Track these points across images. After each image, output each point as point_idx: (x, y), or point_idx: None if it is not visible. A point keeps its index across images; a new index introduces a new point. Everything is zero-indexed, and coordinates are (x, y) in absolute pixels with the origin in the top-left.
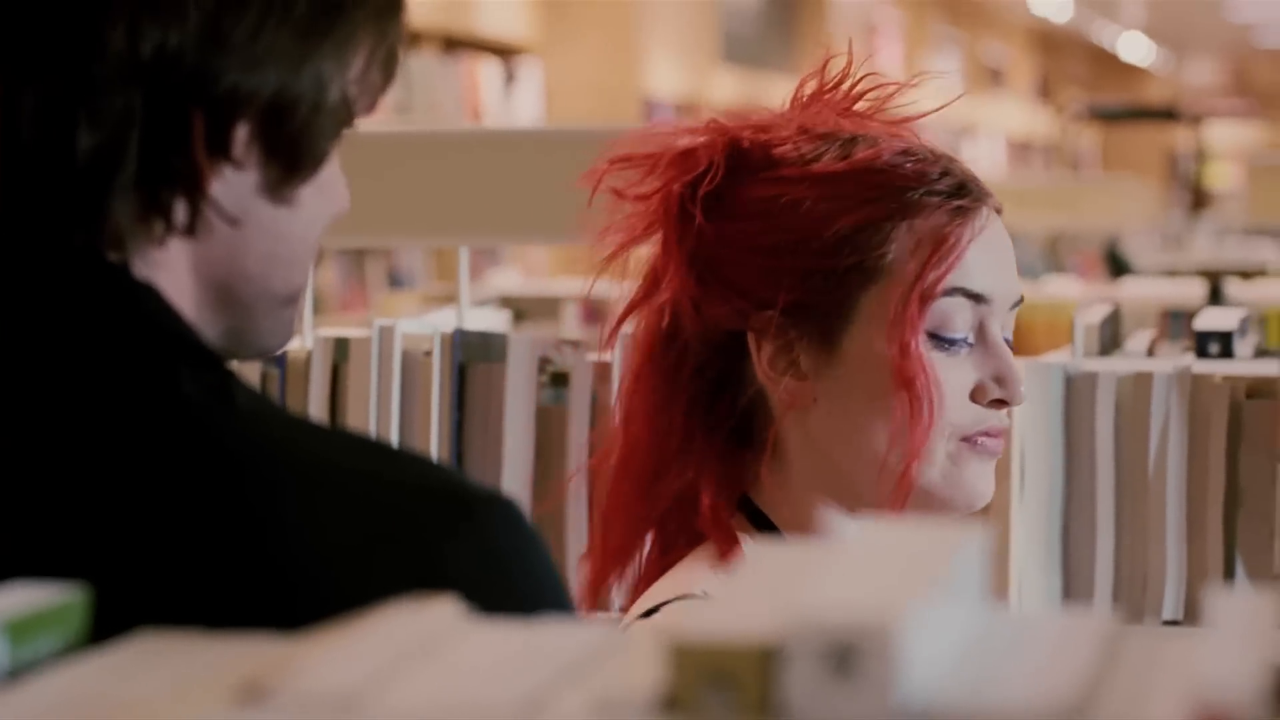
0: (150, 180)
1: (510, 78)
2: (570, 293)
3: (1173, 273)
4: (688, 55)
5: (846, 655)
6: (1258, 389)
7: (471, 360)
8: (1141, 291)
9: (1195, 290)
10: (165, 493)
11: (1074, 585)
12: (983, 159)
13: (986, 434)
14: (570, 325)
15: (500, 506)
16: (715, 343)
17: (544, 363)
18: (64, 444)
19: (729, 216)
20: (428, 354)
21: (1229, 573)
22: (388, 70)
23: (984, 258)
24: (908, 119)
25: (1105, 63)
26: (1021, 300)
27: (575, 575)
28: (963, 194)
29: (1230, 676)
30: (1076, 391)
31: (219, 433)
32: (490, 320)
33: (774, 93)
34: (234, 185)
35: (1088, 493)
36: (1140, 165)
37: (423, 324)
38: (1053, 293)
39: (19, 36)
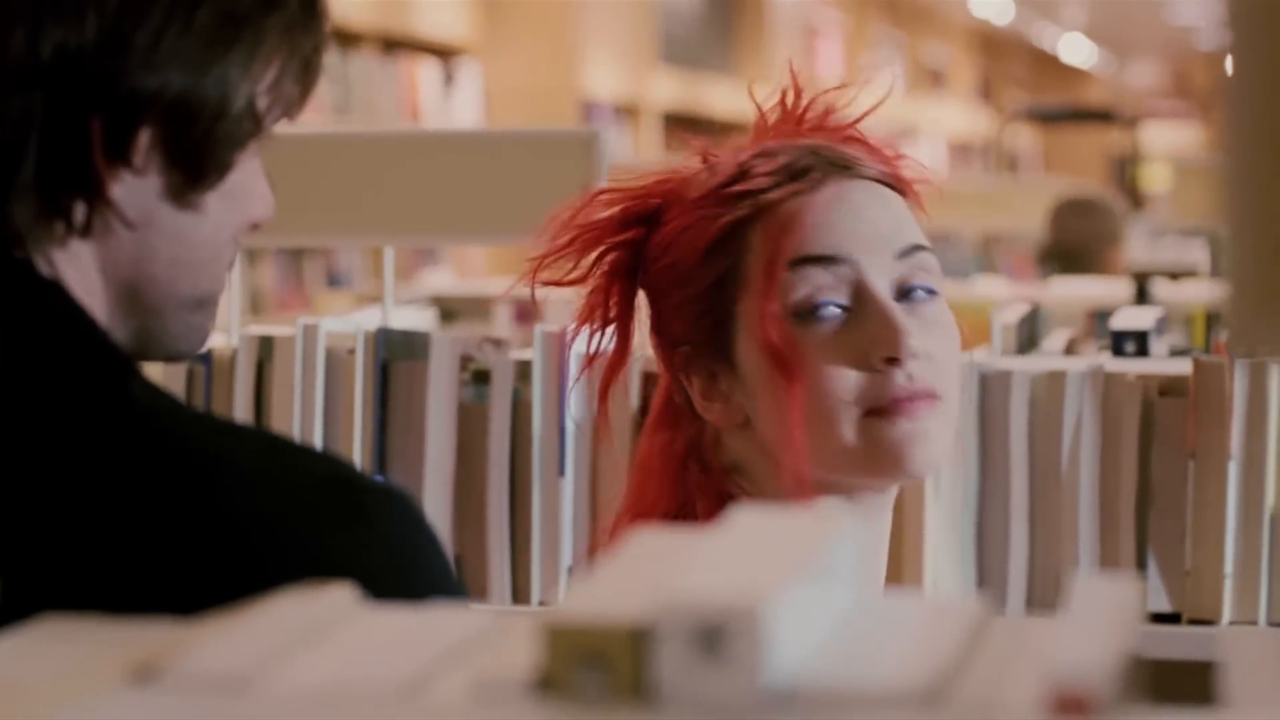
0: (49, 182)
1: (449, 79)
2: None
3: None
4: (626, 57)
5: (715, 636)
6: (1170, 387)
7: (395, 359)
8: (1068, 292)
9: (1122, 291)
10: (60, 486)
11: (988, 580)
12: (924, 160)
13: (897, 399)
14: (502, 326)
15: (394, 499)
16: (678, 388)
17: (466, 361)
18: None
19: (645, 265)
20: (351, 352)
21: (1141, 568)
22: (304, 81)
23: (831, 219)
24: (850, 123)
25: (1046, 64)
26: (916, 247)
27: (493, 568)
28: (805, 175)
29: (1085, 661)
30: (991, 389)
31: (115, 428)
32: (416, 319)
33: (712, 94)
34: (135, 190)
35: (1002, 489)
36: (1081, 167)
37: (347, 322)
38: (980, 293)
39: None
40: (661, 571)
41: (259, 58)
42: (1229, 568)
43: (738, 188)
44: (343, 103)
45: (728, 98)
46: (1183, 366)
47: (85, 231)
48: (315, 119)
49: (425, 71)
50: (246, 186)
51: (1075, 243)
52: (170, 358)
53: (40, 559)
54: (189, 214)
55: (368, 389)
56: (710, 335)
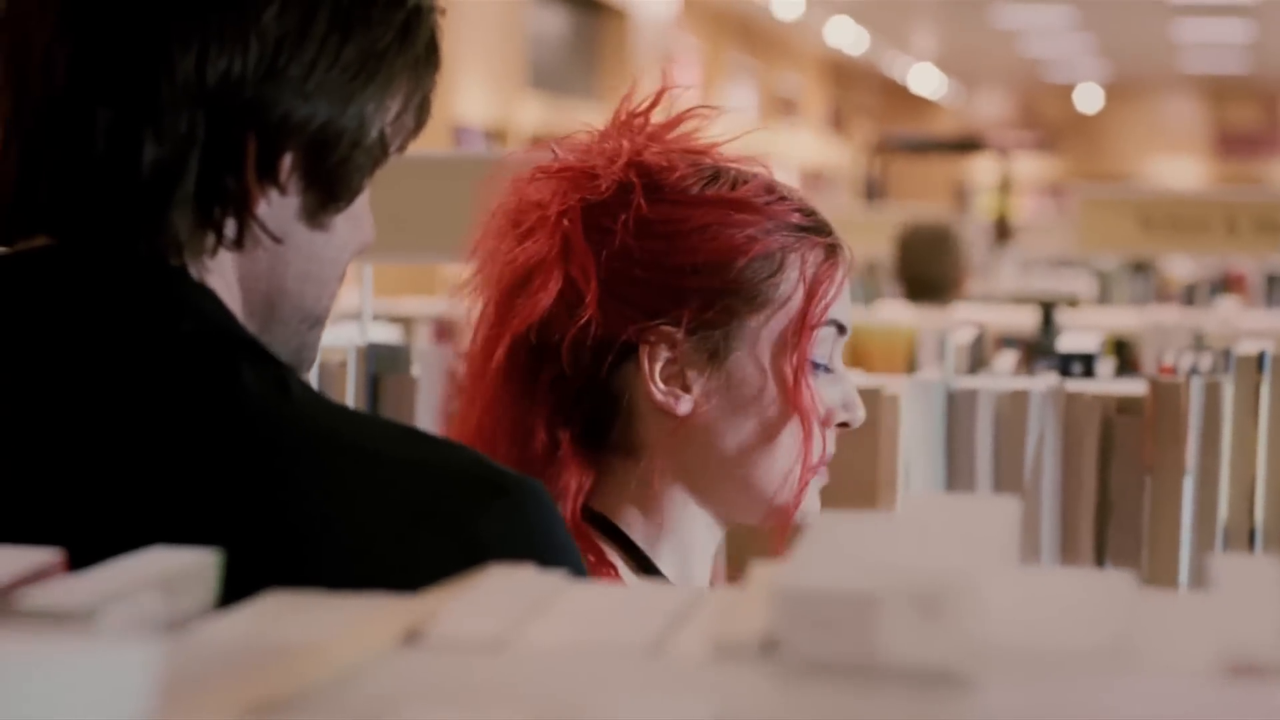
0: (206, 196)
1: None
2: (420, 312)
3: (986, 300)
4: (495, 82)
5: (934, 602)
6: (1127, 406)
7: (384, 372)
8: (975, 317)
9: (1027, 317)
10: (225, 476)
11: None
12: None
13: (824, 459)
14: (422, 343)
15: (533, 488)
16: (589, 354)
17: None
18: (131, 432)
19: (633, 234)
20: (342, 365)
21: None
22: (420, 116)
23: (846, 289)
24: (711, 145)
25: (896, 94)
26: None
27: None
28: (830, 232)
29: (1256, 628)
30: (957, 407)
31: (276, 421)
32: (384, 334)
33: (578, 117)
34: (277, 208)
35: None
36: (926, 196)
37: (336, 337)
38: (887, 317)
39: (98, 58)
40: (870, 546)
41: (391, 93)
42: (1184, 578)
43: (795, 218)
44: None
45: (592, 120)
46: (1137, 388)
47: (235, 245)
48: None
49: None
50: (364, 211)
51: (928, 271)
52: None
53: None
54: (320, 233)
55: (359, 401)
56: (704, 332)
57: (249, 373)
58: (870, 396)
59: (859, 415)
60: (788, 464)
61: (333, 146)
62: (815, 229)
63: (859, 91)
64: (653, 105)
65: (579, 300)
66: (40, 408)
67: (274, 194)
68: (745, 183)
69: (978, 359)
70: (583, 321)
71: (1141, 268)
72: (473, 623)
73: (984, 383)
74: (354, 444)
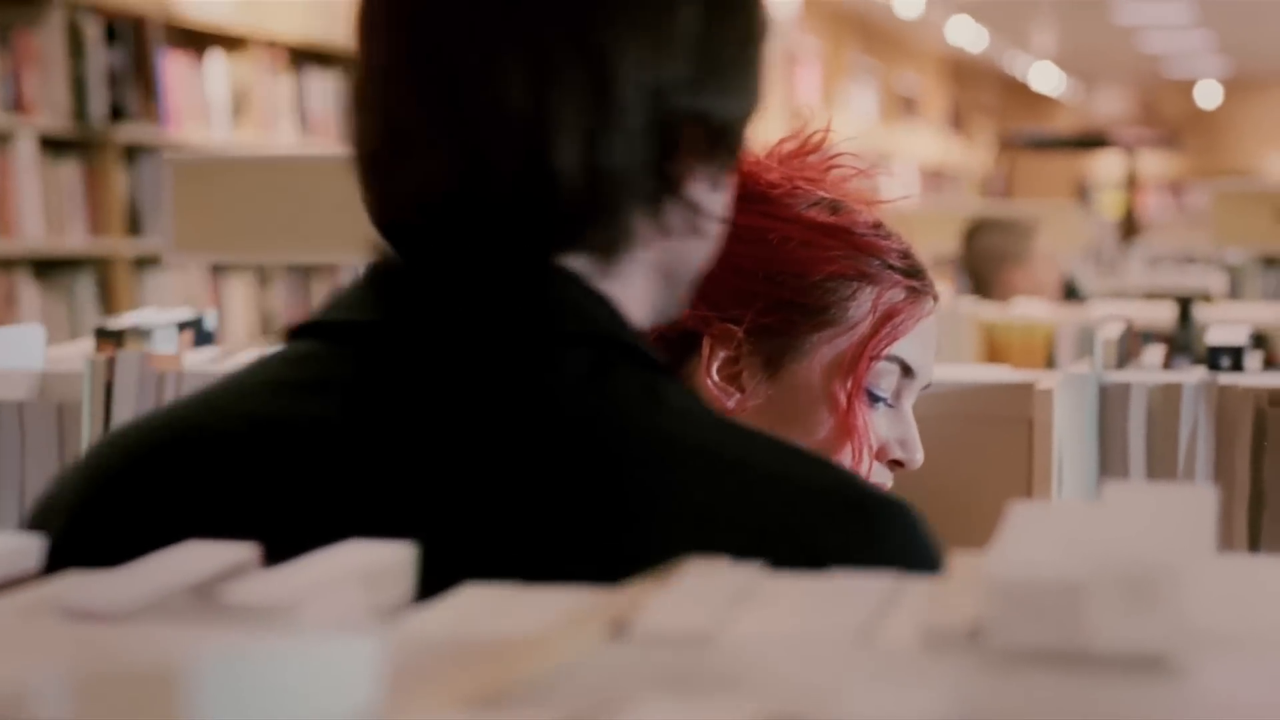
0: (655, 191)
1: None
2: None
3: (1119, 296)
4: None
5: (1142, 588)
6: (1279, 399)
7: None
8: (1114, 313)
9: (1162, 313)
10: (579, 484)
11: None
12: (897, 186)
13: None
14: None
15: (896, 507)
16: (667, 341)
17: None
18: (504, 433)
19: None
20: None
21: None
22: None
23: (920, 338)
24: (872, 201)
25: (1016, 92)
26: (930, 385)
27: None
28: (918, 277)
29: None
30: (1109, 401)
31: (647, 428)
32: None
33: None
34: (696, 185)
35: None
36: (1048, 193)
37: None
38: (1026, 314)
39: (552, 69)
40: (1072, 534)
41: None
42: None
43: (863, 244)
44: None
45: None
46: None
47: (681, 230)
48: (322, 140)
49: None
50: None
51: (978, 261)
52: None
53: (560, 548)
54: (716, 194)
55: None
56: (766, 336)
57: (625, 379)
58: (1023, 390)
59: (916, 458)
60: None
61: (737, 140)
62: (906, 271)
63: (979, 90)
64: (816, 147)
65: None
66: (429, 419)
67: (698, 174)
68: (855, 215)
69: (1124, 353)
70: None
71: (1273, 262)
72: (678, 615)
73: (1135, 376)
74: (717, 455)
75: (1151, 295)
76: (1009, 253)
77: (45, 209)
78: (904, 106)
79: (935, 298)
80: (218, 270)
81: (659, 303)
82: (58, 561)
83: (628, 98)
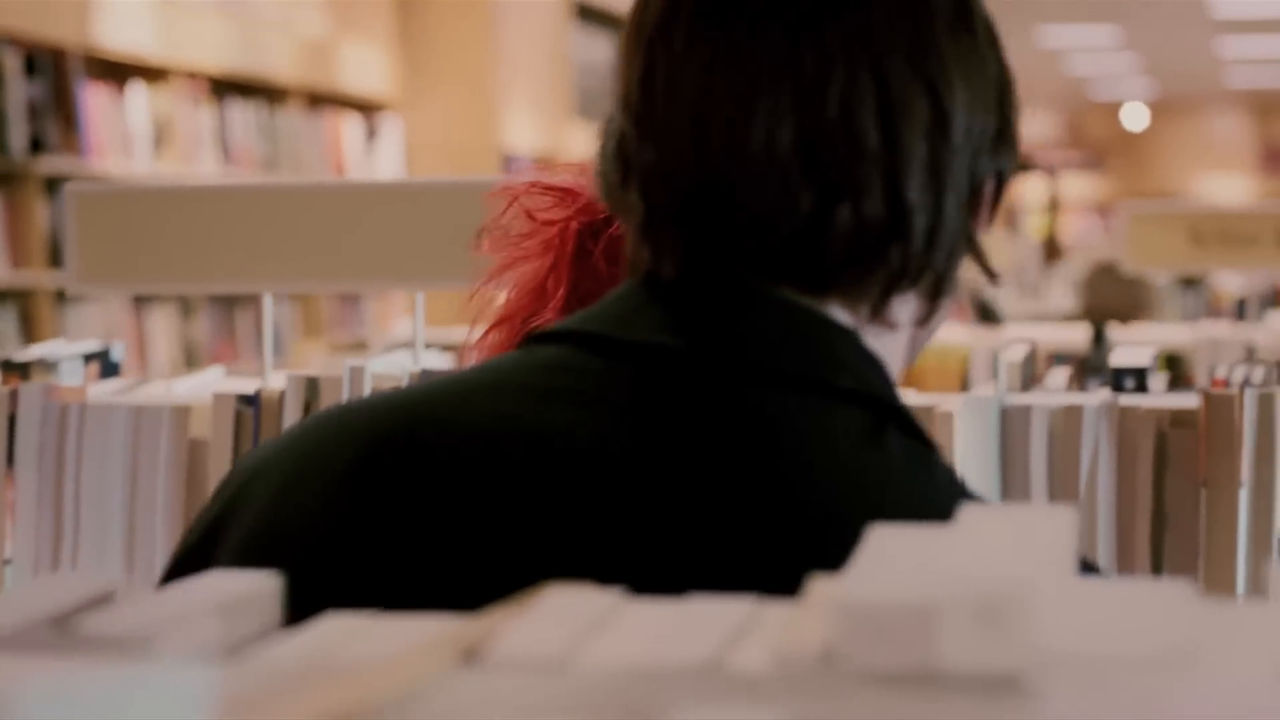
0: (961, 244)
1: (372, 133)
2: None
3: (1038, 319)
4: (544, 111)
5: (994, 611)
6: (1180, 419)
7: None
8: (1027, 335)
9: (1079, 334)
10: (834, 535)
11: None
12: None
13: None
14: None
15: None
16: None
17: None
18: (763, 482)
19: (618, 262)
20: None
21: None
22: None
23: None
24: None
25: None
26: None
27: None
28: None
29: None
30: (1011, 424)
31: (914, 491)
32: (436, 362)
33: None
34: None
35: None
36: None
37: (389, 364)
38: (938, 337)
39: (908, 114)
40: (927, 557)
41: None
42: (1240, 589)
43: None
44: (271, 156)
45: None
46: (1189, 401)
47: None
48: (244, 171)
49: (349, 126)
50: None
51: (1104, 308)
52: None
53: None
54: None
55: None
56: None
57: (897, 442)
58: (923, 414)
59: None
60: None
61: (1005, 188)
62: None
63: None
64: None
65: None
66: (693, 452)
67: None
68: None
69: (1029, 376)
70: None
71: (1191, 283)
72: (532, 642)
73: (1037, 399)
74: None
75: (1069, 318)
76: (1133, 301)
77: None
78: None
79: None
80: (140, 302)
81: (901, 371)
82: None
83: (959, 140)
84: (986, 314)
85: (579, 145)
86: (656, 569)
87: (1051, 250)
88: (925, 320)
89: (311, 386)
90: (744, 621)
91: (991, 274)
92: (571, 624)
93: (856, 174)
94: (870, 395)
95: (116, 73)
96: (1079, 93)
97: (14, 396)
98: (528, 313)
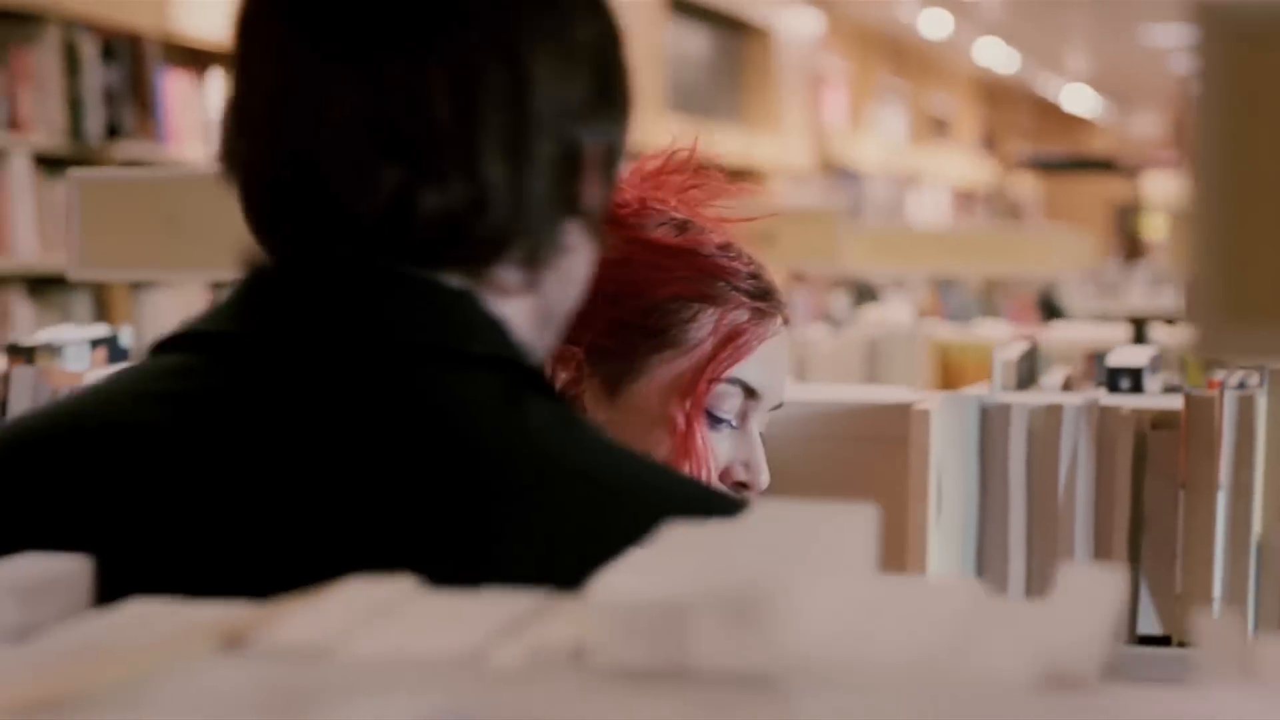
0: (563, 210)
1: None
2: None
3: (1103, 318)
4: (636, 104)
5: (744, 611)
6: (1162, 420)
7: None
8: (1068, 334)
9: (1120, 334)
10: (495, 497)
11: None
12: (927, 207)
13: None
14: None
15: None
16: None
17: None
18: (404, 452)
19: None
20: None
21: (1133, 592)
22: None
23: (766, 360)
24: (727, 220)
25: (1049, 113)
26: (781, 405)
27: None
28: (765, 299)
29: (1075, 641)
30: (992, 422)
31: (557, 451)
32: None
33: (719, 141)
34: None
35: (1001, 516)
36: (1082, 216)
37: None
38: (983, 335)
39: (473, 90)
40: (696, 555)
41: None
42: (1217, 592)
43: (705, 265)
44: None
45: (734, 145)
46: (1174, 401)
47: (573, 251)
48: None
49: None
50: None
51: None
52: None
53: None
54: (590, 244)
55: None
56: (606, 358)
57: (535, 404)
58: (900, 411)
59: (761, 480)
60: None
61: (618, 155)
62: (753, 293)
63: (1012, 111)
64: (680, 167)
65: None
66: (326, 428)
67: (590, 196)
68: (702, 235)
69: (1026, 374)
70: None
71: None
72: (302, 630)
73: (1018, 398)
74: (632, 486)
75: (1106, 317)
76: None
77: (40, 227)
78: (935, 127)
79: (786, 319)
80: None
81: (538, 335)
82: None
83: (543, 109)
84: (1053, 312)
85: (670, 139)
86: (283, 560)
87: (1133, 249)
88: (531, 287)
89: None
90: (525, 615)
91: (604, 243)
92: (352, 613)
93: (432, 152)
94: (503, 359)
95: (196, 60)
96: (1184, 92)
97: (5, 381)
98: None
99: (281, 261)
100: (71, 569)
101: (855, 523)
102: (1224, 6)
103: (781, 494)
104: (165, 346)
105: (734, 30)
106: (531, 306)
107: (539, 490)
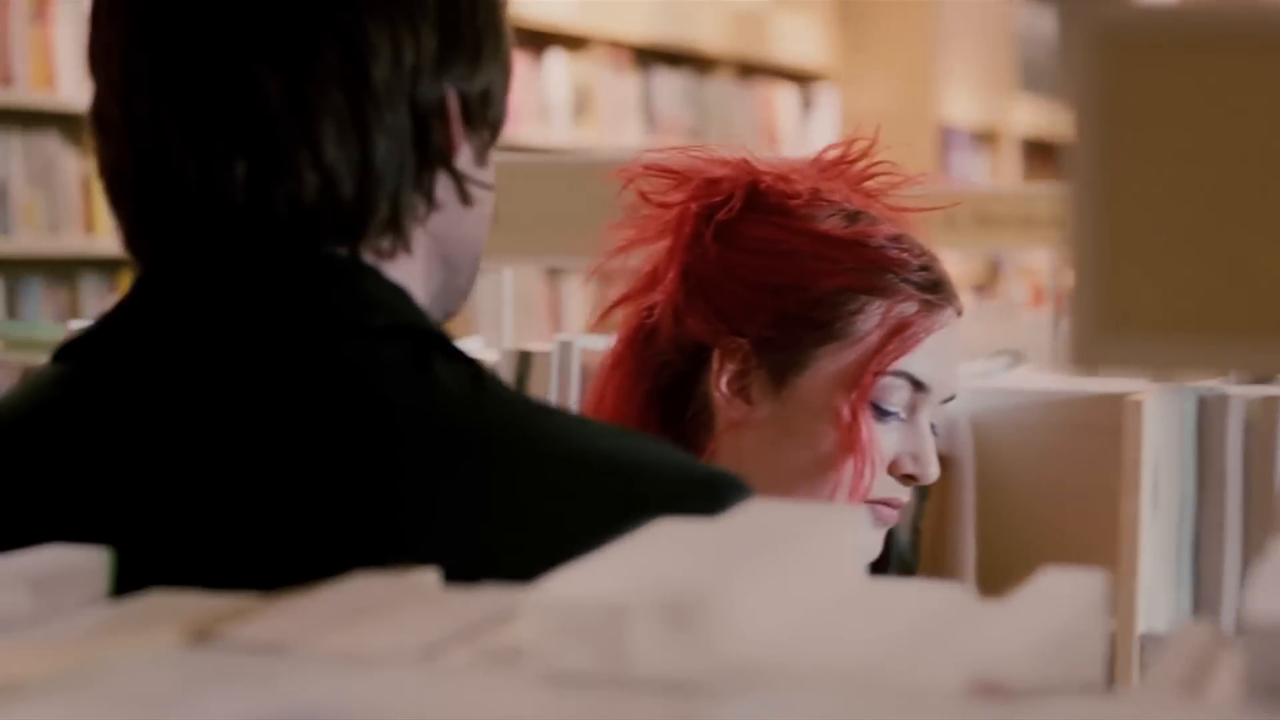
0: (422, 167)
1: (807, 104)
2: None
3: None
4: (985, 83)
5: (681, 613)
6: None
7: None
8: None
9: None
10: (418, 474)
11: (1203, 600)
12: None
13: (886, 503)
14: None
15: (736, 483)
16: (684, 350)
17: None
18: (323, 431)
19: (732, 246)
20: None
21: None
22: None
23: (936, 352)
24: (908, 209)
25: None
26: (954, 397)
27: None
28: (934, 290)
29: (1009, 646)
30: (1208, 413)
31: (472, 414)
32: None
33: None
34: (460, 158)
35: (1217, 509)
36: None
37: (598, 340)
38: None
39: (311, 68)
40: (657, 555)
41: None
42: None
43: (873, 257)
44: (699, 126)
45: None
46: None
47: (444, 206)
48: (670, 141)
49: (783, 97)
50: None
51: None
52: (449, 315)
53: (381, 536)
54: (484, 170)
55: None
56: (772, 350)
57: (444, 369)
58: (1113, 401)
59: (929, 472)
60: (831, 498)
61: (495, 97)
62: (922, 284)
63: None
64: (859, 157)
65: (673, 298)
66: (237, 411)
67: (461, 148)
68: (873, 227)
69: None
70: (673, 318)
71: None
72: (273, 626)
73: (1235, 388)
74: (554, 441)
75: None
76: None
77: None
78: None
79: (958, 311)
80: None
81: (442, 290)
82: None
83: (384, 78)
84: None
85: (1021, 119)
86: (199, 545)
87: None
88: (406, 249)
89: (524, 360)
90: (490, 613)
91: (467, 198)
92: (336, 610)
93: (273, 142)
94: (407, 326)
95: (535, 41)
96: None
97: None
98: (641, 295)
99: (155, 264)
100: (89, 560)
101: (839, 525)
102: (1095, 11)
103: (993, 484)
104: (56, 357)
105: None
106: (424, 264)
107: (455, 456)
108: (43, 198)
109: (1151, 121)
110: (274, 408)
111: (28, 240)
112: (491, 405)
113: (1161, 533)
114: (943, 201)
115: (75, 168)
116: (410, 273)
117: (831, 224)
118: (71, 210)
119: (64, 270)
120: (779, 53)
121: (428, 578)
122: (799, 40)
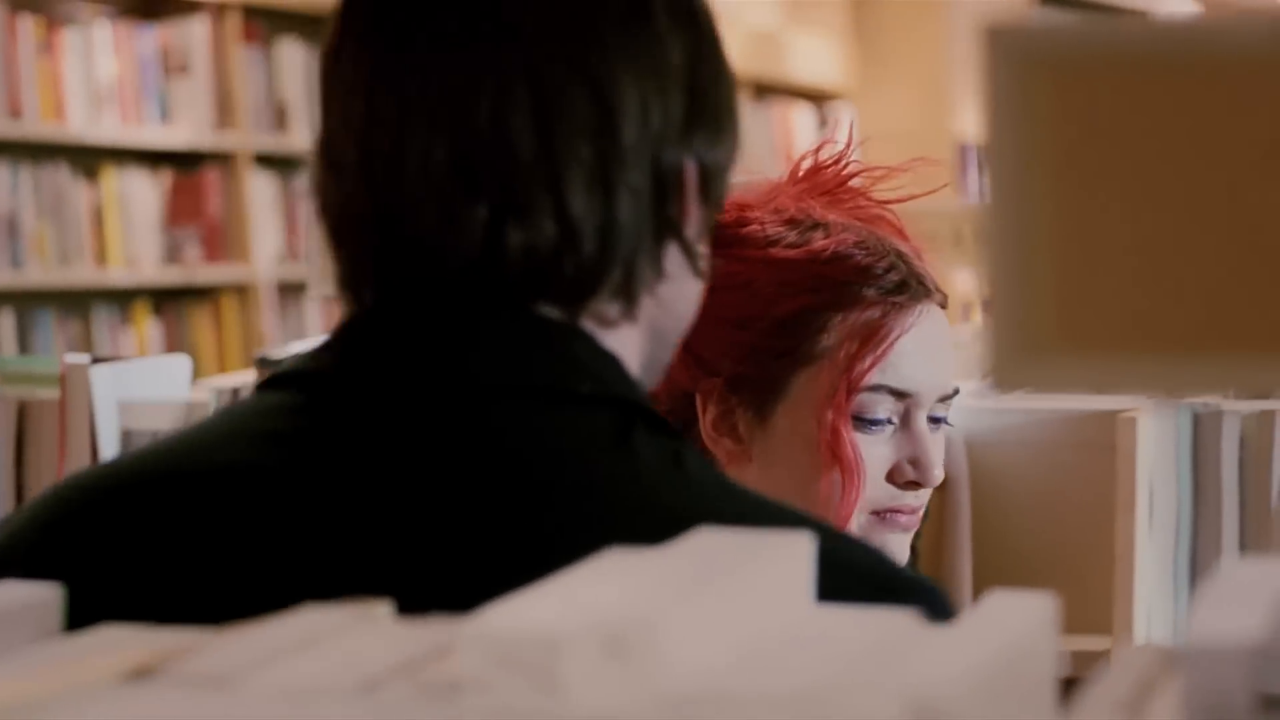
0: (657, 236)
1: (823, 122)
2: None
3: None
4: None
5: (617, 645)
6: None
7: None
8: None
9: None
10: (592, 539)
11: None
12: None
13: (898, 510)
14: None
15: (928, 591)
16: (676, 397)
17: None
18: (521, 497)
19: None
20: None
21: None
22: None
23: (914, 352)
24: (889, 201)
25: None
26: (956, 392)
27: None
28: (901, 291)
29: (942, 673)
30: (1203, 428)
31: (664, 491)
32: None
33: None
34: (689, 231)
35: (1214, 525)
36: None
37: None
38: None
39: (561, 123)
40: (597, 587)
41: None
42: None
43: (829, 272)
44: None
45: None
46: None
47: (672, 278)
48: None
49: (799, 115)
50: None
51: None
52: (650, 388)
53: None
54: (703, 247)
55: None
56: (749, 385)
57: (644, 443)
58: (1107, 418)
59: (932, 476)
60: (828, 515)
61: (726, 170)
62: (888, 288)
63: None
64: (832, 163)
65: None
66: (431, 469)
67: (690, 220)
68: (829, 238)
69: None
70: None
71: None
72: (214, 660)
73: (1230, 403)
74: (738, 523)
75: None
76: None
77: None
78: None
79: (940, 302)
80: None
81: (650, 363)
82: None
83: (632, 137)
84: None
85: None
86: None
87: None
88: (630, 317)
89: None
90: (435, 645)
91: (699, 271)
92: (278, 643)
93: (517, 189)
94: (613, 397)
95: None
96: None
97: (235, 395)
98: None
99: (379, 302)
100: (40, 596)
101: (785, 554)
102: (1013, 30)
103: (989, 502)
104: (269, 384)
105: (1106, 16)
106: (640, 334)
107: (648, 533)
108: (53, 230)
109: (1070, 143)
110: (463, 471)
111: (39, 273)
112: (685, 484)
113: (1158, 549)
114: (906, 200)
115: (85, 199)
116: (626, 341)
117: (782, 247)
118: (82, 242)
119: (76, 302)
120: (795, 72)
121: (379, 609)
122: (814, 59)
